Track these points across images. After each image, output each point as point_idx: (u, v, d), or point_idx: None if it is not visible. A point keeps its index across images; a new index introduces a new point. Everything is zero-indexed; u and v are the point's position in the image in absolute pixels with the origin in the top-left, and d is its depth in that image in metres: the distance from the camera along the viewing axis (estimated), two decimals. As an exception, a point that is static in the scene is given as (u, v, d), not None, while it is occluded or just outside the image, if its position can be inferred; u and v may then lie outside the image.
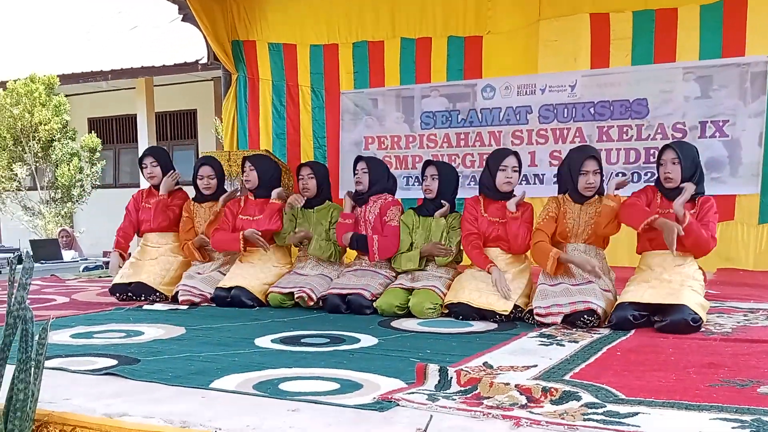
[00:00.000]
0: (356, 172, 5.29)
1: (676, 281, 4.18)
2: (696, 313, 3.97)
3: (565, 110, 7.79)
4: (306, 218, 5.50)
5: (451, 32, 8.25)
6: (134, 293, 5.50)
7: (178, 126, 14.48)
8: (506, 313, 4.42)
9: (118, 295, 5.55)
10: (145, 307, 5.23)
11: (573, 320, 4.16)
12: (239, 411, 2.51)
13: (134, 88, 13.52)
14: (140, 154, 6.24)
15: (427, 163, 5.11)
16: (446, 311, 4.67)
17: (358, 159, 5.37)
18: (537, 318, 4.27)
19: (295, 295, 5.05)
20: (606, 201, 4.50)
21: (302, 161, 8.91)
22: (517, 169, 4.74)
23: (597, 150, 4.69)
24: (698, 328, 3.96)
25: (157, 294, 5.48)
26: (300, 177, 5.45)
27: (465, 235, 4.79)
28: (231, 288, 5.24)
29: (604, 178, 4.60)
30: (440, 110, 8.37)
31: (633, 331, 4.00)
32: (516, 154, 4.80)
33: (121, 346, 3.76)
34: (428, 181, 5.01)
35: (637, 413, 2.42)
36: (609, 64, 7.62)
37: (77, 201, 12.56)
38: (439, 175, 5.00)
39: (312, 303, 5.02)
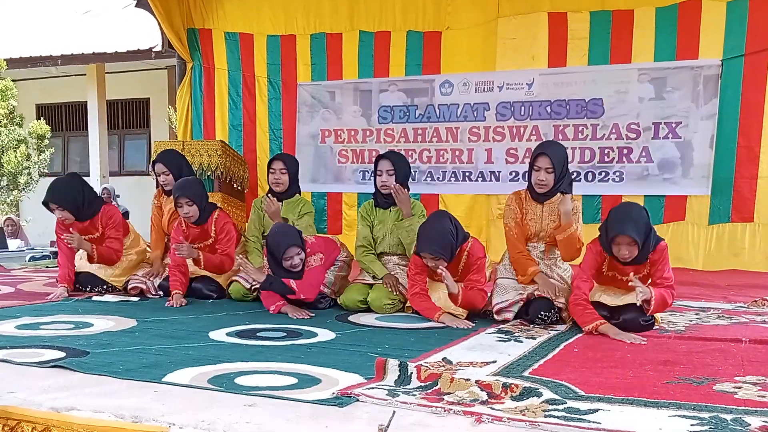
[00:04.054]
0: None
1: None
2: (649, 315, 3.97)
3: (522, 108, 7.83)
4: None
5: (411, 27, 8.24)
6: (81, 284, 5.33)
7: (130, 115, 14.19)
8: (464, 317, 4.33)
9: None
10: (95, 298, 5.09)
11: (531, 317, 4.16)
12: (194, 406, 2.44)
13: (85, 74, 13.19)
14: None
15: (380, 157, 4.91)
16: (410, 309, 4.56)
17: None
18: (496, 316, 4.25)
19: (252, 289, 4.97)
20: (564, 203, 4.25)
21: (257, 153, 8.82)
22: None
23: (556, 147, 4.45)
24: (649, 327, 3.97)
25: (105, 286, 5.31)
26: (272, 170, 5.25)
27: (410, 285, 4.40)
28: None
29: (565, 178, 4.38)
30: (398, 105, 8.34)
31: (588, 329, 4.01)
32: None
33: (69, 337, 3.64)
34: (384, 176, 4.82)
35: (597, 410, 2.42)
36: (566, 64, 7.69)
37: (24, 189, 12.22)
38: (395, 170, 4.82)
39: None
